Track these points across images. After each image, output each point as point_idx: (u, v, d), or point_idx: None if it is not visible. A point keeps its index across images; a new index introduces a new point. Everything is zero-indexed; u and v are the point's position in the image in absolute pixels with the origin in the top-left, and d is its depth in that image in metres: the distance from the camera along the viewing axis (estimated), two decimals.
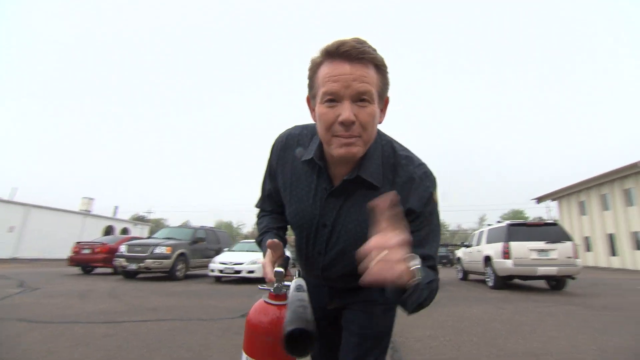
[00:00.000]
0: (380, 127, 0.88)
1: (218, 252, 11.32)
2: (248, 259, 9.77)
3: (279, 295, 0.79)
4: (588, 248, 24.23)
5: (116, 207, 31.58)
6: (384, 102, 0.82)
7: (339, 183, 0.86)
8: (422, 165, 0.87)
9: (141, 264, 9.35)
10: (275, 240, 0.86)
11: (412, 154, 0.90)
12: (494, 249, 8.54)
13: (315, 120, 0.83)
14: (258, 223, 1.08)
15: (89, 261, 11.11)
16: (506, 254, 8.04)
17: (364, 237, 0.84)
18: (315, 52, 0.79)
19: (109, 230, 26.75)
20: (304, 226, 0.94)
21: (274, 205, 1.05)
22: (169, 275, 9.60)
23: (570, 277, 8.08)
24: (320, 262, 0.96)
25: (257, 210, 1.11)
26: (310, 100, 0.84)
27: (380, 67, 0.77)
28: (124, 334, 3.54)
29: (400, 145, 0.92)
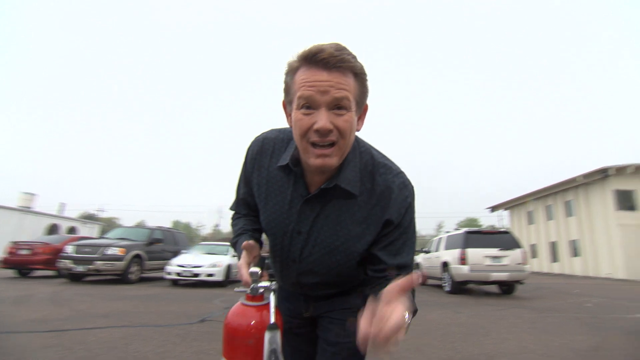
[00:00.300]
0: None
1: (176, 254, 10.81)
2: (207, 261, 9.43)
3: (256, 296, 0.76)
4: (534, 255, 26.08)
5: (62, 205, 29.22)
6: (362, 109, 0.81)
7: (316, 191, 0.83)
8: (400, 174, 0.86)
9: (90, 266, 8.64)
10: (251, 241, 0.83)
11: (390, 162, 0.89)
12: (451, 255, 8.91)
13: (291, 126, 0.80)
14: (233, 225, 1.03)
15: (27, 263, 10.06)
16: (463, 260, 8.43)
17: (338, 246, 0.86)
18: (291, 56, 0.76)
19: (53, 229, 24.61)
20: (278, 233, 0.91)
21: (248, 209, 1.02)
22: (121, 278, 8.99)
23: (519, 282, 8.62)
24: (295, 270, 0.93)
25: (228, 213, 1.07)
26: (287, 105, 0.82)
27: (359, 75, 0.76)
28: (68, 343, 3.22)
29: (379, 153, 0.90)
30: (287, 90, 0.79)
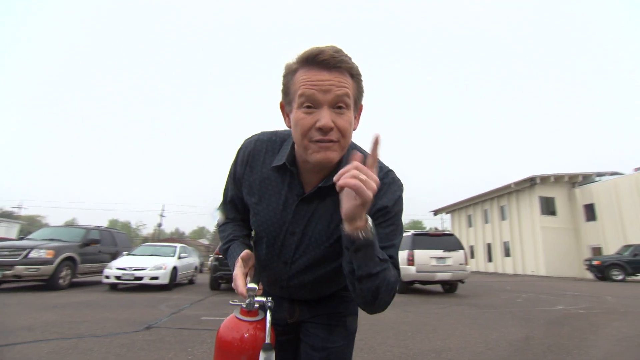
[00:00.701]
0: None
1: (115, 256, 9.98)
2: (151, 263, 8.83)
3: (251, 311, 0.75)
4: (472, 255, 28.23)
5: None
6: (358, 109, 0.83)
7: (314, 189, 0.84)
8: (390, 171, 0.89)
9: (7, 272, 7.47)
10: (249, 251, 0.82)
11: (380, 164, 0.90)
12: (399, 257, 9.28)
13: (289, 126, 0.82)
14: (221, 231, 1.00)
15: None
16: (411, 261, 8.85)
17: (332, 244, 0.86)
18: (290, 59, 0.78)
19: None
20: (271, 234, 0.89)
21: (236, 213, 0.99)
22: (49, 284, 7.98)
23: (461, 281, 9.25)
24: (286, 272, 0.91)
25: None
26: (285, 106, 0.82)
27: (355, 76, 0.78)
28: None
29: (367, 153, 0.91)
30: (286, 91, 0.79)
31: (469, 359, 3.17)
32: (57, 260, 8.08)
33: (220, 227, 1.01)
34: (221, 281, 9.30)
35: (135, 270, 8.52)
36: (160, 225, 49.43)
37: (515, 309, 6.28)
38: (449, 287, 9.54)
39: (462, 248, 9.34)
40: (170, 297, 7.44)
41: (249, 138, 0.94)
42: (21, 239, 10.03)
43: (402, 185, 0.89)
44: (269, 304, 0.76)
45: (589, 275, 16.44)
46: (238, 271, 0.80)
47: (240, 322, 0.74)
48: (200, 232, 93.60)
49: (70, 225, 12.27)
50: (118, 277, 8.40)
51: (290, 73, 0.78)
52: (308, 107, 0.74)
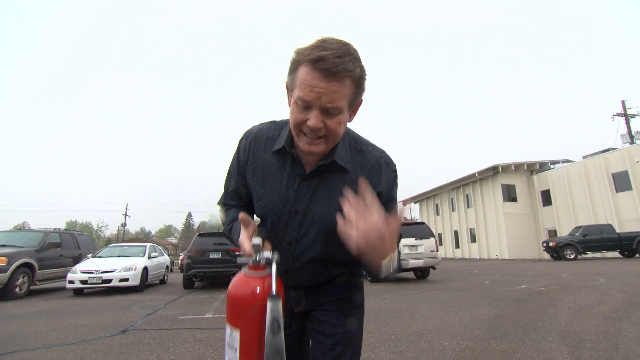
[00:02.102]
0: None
1: (78, 259, 9.42)
2: (120, 265, 8.43)
3: (258, 267, 0.77)
4: (440, 242, 29.43)
5: None
6: (356, 104, 0.86)
7: (315, 167, 0.88)
8: (384, 152, 0.96)
9: None
10: (245, 214, 0.82)
11: (373, 143, 0.97)
12: None
13: (289, 105, 0.86)
14: (225, 215, 1.01)
15: None
16: None
17: (333, 222, 0.88)
18: (302, 46, 0.78)
19: None
20: (275, 215, 0.91)
21: (239, 200, 1.01)
22: (3, 294, 7.35)
23: (433, 267, 9.63)
24: (291, 254, 0.93)
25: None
26: (288, 89, 0.86)
27: (356, 80, 0.80)
28: None
29: (361, 136, 0.98)
30: (291, 78, 0.82)
31: (448, 339, 3.32)
32: (11, 268, 7.45)
33: (223, 213, 1.03)
34: (195, 279, 9.07)
35: (102, 272, 8.09)
36: (124, 225, 47.17)
37: (484, 290, 6.64)
38: (421, 273, 9.90)
39: (432, 236, 9.69)
40: (142, 298, 7.16)
41: (250, 128, 0.98)
42: None
43: (396, 166, 0.96)
44: (276, 258, 0.78)
45: (546, 255, 17.72)
46: (242, 236, 0.83)
47: (247, 277, 0.78)
48: (167, 230, 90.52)
49: (24, 229, 11.35)
50: (84, 282, 7.95)
51: (296, 63, 0.80)
52: (303, 107, 0.78)
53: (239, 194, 1.01)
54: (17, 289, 7.59)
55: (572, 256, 15.49)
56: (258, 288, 0.76)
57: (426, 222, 30.72)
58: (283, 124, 0.95)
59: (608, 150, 20.98)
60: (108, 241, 50.49)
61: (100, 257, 9.36)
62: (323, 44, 0.76)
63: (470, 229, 26.18)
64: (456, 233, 27.97)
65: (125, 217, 45.23)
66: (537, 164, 24.43)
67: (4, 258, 7.41)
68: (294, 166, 0.90)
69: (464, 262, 20.30)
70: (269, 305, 0.70)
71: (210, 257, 8.87)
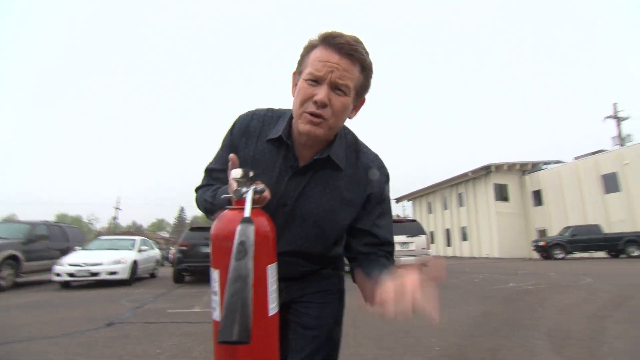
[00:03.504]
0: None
1: (66, 252, 9.28)
2: (109, 258, 8.34)
3: (241, 200, 0.71)
4: (432, 240, 29.66)
5: None
6: (359, 100, 0.87)
7: (310, 161, 0.87)
8: (378, 156, 0.96)
9: None
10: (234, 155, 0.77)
11: (367, 146, 0.98)
12: None
13: (293, 95, 0.85)
14: (203, 192, 0.94)
15: None
16: None
17: (320, 217, 0.88)
18: (314, 35, 0.82)
19: None
20: (262, 207, 0.86)
21: (222, 184, 0.94)
22: None
23: (424, 264, 9.68)
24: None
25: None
26: (296, 75, 0.86)
27: (365, 69, 0.82)
28: None
29: (358, 137, 0.98)
30: (301, 63, 0.84)
31: (435, 335, 3.33)
32: None
33: (203, 192, 0.95)
34: (185, 273, 9.02)
35: (91, 265, 8.00)
36: (115, 218, 46.74)
37: (473, 288, 6.70)
38: None
39: (424, 233, 9.75)
40: (131, 292, 7.10)
41: (245, 112, 0.96)
42: None
43: (388, 171, 0.96)
44: (258, 189, 0.72)
45: (536, 255, 17.94)
46: (231, 179, 0.79)
47: (229, 211, 0.73)
48: (159, 224, 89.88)
49: (10, 220, 11.17)
50: (71, 274, 7.84)
51: (309, 47, 0.82)
52: (312, 80, 0.78)
53: (222, 179, 0.94)
54: (2, 282, 7.46)
55: (561, 256, 15.71)
56: (235, 220, 0.67)
57: (419, 220, 30.97)
58: (280, 113, 0.93)
59: (599, 151, 21.25)
60: (98, 234, 50.02)
61: (89, 250, 9.25)
62: (337, 31, 0.79)
63: (462, 228, 26.41)
64: (448, 231, 28.20)
65: (117, 211, 44.85)
66: (530, 164, 24.67)
67: None
68: (288, 158, 0.88)
69: (455, 260, 20.48)
70: (237, 229, 0.61)
71: (202, 251, 8.82)
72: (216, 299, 0.70)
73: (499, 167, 23.83)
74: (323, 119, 0.79)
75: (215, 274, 0.70)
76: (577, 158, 21.99)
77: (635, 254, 15.12)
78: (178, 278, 9.00)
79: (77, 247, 9.62)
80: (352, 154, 0.92)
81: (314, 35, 0.82)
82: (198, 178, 1.02)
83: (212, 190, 0.91)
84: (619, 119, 23.90)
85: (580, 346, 2.87)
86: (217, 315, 0.69)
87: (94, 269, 7.97)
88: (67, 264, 7.96)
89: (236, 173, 0.73)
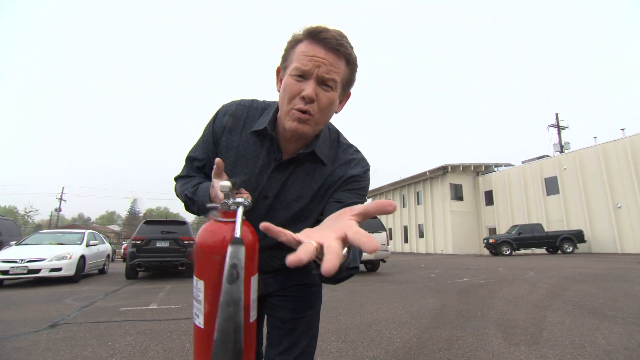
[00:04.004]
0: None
1: None
2: (52, 253, 7.65)
3: (228, 212, 0.72)
4: (390, 237, 30.63)
5: None
6: (345, 94, 0.87)
7: (294, 154, 0.87)
8: (359, 152, 0.96)
9: None
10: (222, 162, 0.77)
11: (351, 143, 0.98)
12: None
13: (279, 91, 0.85)
14: (183, 184, 0.92)
15: None
16: None
17: (302, 212, 0.88)
18: (298, 29, 0.81)
19: None
20: None
21: (202, 175, 0.94)
22: None
23: (383, 260, 9.98)
24: None
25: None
26: (281, 71, 0.85)
27: (351, 63, 0.82)
28: None
29: (341, 133, 0.99)
30: (285, 58, 0.82)
31: (396, 328, 3.44)
32: None
33: (183, 185, 0.93)
34: (139, 269, 8.55)
35: (29, 262, 7.27)
36: (59, 210, 43.04)
37: (430, 283, 7.01)
38: (372, 266, 10.21)
39: (384, 230, 10.04)
40: (78, 289, 6.59)
41: (229, 102, 0.94)
42: None
43: (369, 165, 0.96)
44: (246, 203, 0.72)
45: (486, 251, 19.22)
46: (214, 180, 0.78)
47: (215, 223, 0.73)
48: (109, 217, 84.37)
49: None
50: (4, 272, 7.09)
51: (294, 42, 0.81)
52: (299, 76, 0.78)
53: (203, 170, 0.94)
54: None
55: (508, 252, 16.96)
56: (223, 234, 0.70)
57: (378, 217, 31.89)
58: (265, 105, 0.92)
59: (543, 157, 23.16)
60: (37, 227, 45.79)
61: (27, 244, 8.43)
62: (322, 26, 0.78)
63: (419, 225, 27.57)
64: (405, 228, 29.30)
65: (61, 202, 41.36)
66: (483, 166, 26.28)
67: None
68: (271, 151, 0.88)
69: (411, 256, 21.34)
70: (229, 250, 0.64)
71: (157, 245, 8.40)
72: (200, 306, 0.70)
73: (454, 168, 25.13)
74: (310, 115, 0.78)
75: (200, 284, 0.71)
76: (524, 162, 23.78)
77: (570, 250, 16.74)
78: (131, 274, 8.50)
79: (12, 242, 8.74)
80: (333, 150, 0.92)
81: (298, 30, 0.80)
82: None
83: (193, 185, 0.91)
84: (559, 128, 26.18)
85: (525, 333, 3.11)
86: (199, 322, 0.70)
87: (33, 265, 7.26)
88: (0, 260, 7.20)
89: (225, 187, 0.71)
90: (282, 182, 0.89)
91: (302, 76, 0.77)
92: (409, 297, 5.30)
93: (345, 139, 0.98)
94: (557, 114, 26.47)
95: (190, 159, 0.96)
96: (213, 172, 0.78)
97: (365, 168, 0.92)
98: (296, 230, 0.87)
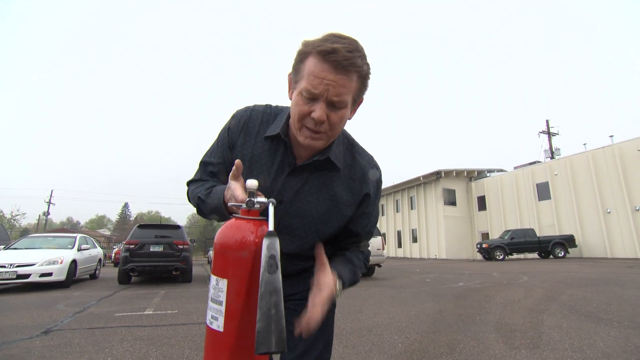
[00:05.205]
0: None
1: None
2: (42, 257, 7.48)
3: (252, 210, 0.72)
4: (384, 242, 30.72)
5: None
6: (357, 103, 0.86)
7: (309, 160, 0.87)
8: (372, 157, 0.98)
9: None
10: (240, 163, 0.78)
11: (363, 147, 0.99)
12: None
13: (291, 99, 0.84)
14: (196, 187, 0.93)
15: None
16: None
17: (317, 217, 0.90)
18: (310, 39, 0.79)
19: None
20: None
21: (215, 182, 0.95)
22: None
23: (378, 265, 9.98)
24: None
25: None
26: (292, 81, 0.84)
27: (363, 77, 0.80)
28: None
29: (354, 138, 1.00)
30: (296, 69, 0.81)
31: (396, 333, 3.43)
32: None
33: (196, 188, 0.94)
34: (133, 274, 8.41)
35: (18, 266, 7.10)
36: (47, 213, 42.22)
37: (426, 287, 7.03)
38: (367, 270, 10.20)
39: (379, 234, 10.05)
40: (69, 294, 6.45)
41: (244, 107, 0.95)
42: None
43: (381, 172, 0.99)
44: (272, 201, 0.73)
45: (479, 256, 19.34)
46: (232, 182, 0.77)
47: (240, 220, 0.72)
48: (99, 221, 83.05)
49: None
50: None
51: (305, 54, 0.78)
52: (308, 98, 0.77)
53: (217, 175, 0.95)
54: None
55: (501, 257, 17.10)
56: (250, 231, 0.70)
57: None
58: (278, 110, 0.93)
59: (535, 162, 23.51)
60: (24, 232, 44.76)
61: (16, 248, 8.25)
62: (333, 38, 0.76)
63: (413, 230, 27.70)
64: (399, 233, 29.39)
65: (49, 205, 40.59)
66: (476, 172, 26.58)
67: None
68: (286, 156, 0.88)
69: (405, 261, 21.38)
70: (265, 243, 0.64)
71: (151, 250, 8.29)
72: (220, 308, 0.69)
73: (448, 173, 25.37)
74: (322, 132, 0.80)
75: (222, 284, 0.69)
76: (516, 168, 24.11)
77: (561, 254, 16.95)
78: (124, 279, 8.37)
79: (0, 247, 8.54)
80: (348, 154, 0.93)
81: (309, 38, 0.79)
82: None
83: (207, 188, 0.91)
84: (550, 134, 26.64)
85: (524, 337, 3.12)
86: (218, 324, 0.68)
87: (22, 270, 7.09)
88: None
89: (252, 184, 0.72)
90: (296, 189, 0.89)
91: (312, 98, 0.77)
92: (406, 301, 5.29)
93: (356, 141, 0.99)
94: (547, 121, 26.96)
95: (204, 164, 0.96)
96: (231, 174, 0.78)
97: (377, 179, 0.96)
98: (312, 236, 0.91)
